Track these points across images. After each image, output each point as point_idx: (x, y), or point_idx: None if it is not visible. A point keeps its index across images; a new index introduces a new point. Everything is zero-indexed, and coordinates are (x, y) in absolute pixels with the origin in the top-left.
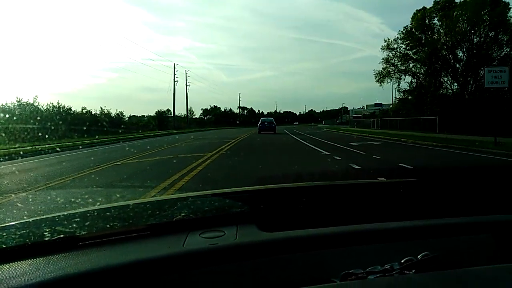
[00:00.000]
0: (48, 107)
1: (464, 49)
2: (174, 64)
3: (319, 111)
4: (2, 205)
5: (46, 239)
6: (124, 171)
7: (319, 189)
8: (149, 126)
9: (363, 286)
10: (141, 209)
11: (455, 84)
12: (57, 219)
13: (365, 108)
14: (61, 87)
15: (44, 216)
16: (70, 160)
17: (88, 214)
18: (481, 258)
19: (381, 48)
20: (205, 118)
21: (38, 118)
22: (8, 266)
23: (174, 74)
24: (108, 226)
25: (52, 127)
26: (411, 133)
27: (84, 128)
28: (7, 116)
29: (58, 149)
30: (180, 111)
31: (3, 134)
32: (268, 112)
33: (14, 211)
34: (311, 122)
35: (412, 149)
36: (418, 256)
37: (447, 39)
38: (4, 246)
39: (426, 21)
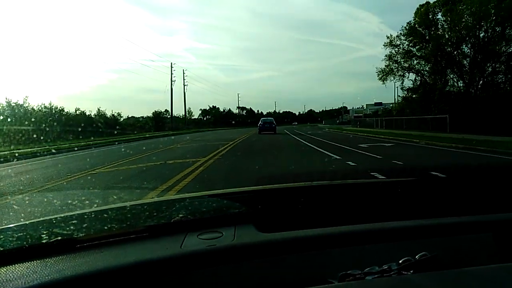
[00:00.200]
0: (40, 108)
1: (470, 45)
2: (171, 63)
3: (318, 111)
4: None
5: (44, 241)
6: (90, 184)
7: (317, 189)
8: (146, 127)
9: (361, 287)
10: (138, 210)
11: (461, 81)
12: (54, 221)
13: (365, 108)
14: (61, 89)
15: (41, 219)
16: (33, 170)
17: (86, 216)
18: (480, 258)
19: (384, 45)
20: (204, 118)
21: (30, 119)
22: (5, 269)
23: (172, 74)
24: (106, 227)
25: (44, 129)
26: (420, 133)
27: (78, 129)
28: None
29: (39, 153)
30: (179, 111)
31: None
32: (267, 112)
33: (11, 213)
34: (311, 122)
35: (432, 151)
36: (416, 256)
37: (452, 34)
38: (1, 249)
39: (430, 16)
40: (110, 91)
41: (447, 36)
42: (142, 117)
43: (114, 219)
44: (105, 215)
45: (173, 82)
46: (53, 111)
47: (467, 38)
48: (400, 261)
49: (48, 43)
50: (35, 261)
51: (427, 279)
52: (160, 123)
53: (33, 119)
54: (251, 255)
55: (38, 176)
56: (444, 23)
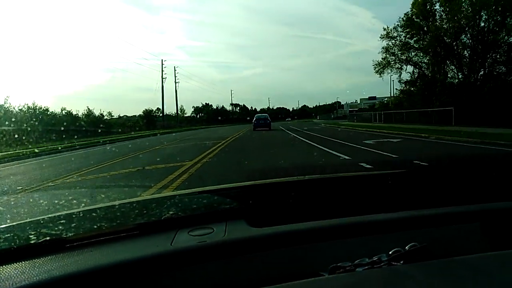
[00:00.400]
0: (22, 109)
1: (469, 36)
2: (162, 60)
3: (312, 107)
4: None
5: (32, 242)
6: (28, 207)
7: (308, 183)
8: (137, 126)
9: (351, 279)
10: (127, 208)
11: (460, 73)
12: (42, 222)
13: (359, 102)
14: (55, 89)
15: (29, 220)
16: None
17: (74, 216)
18: (469, 247)
19: (380, 37)
20: (197, 116)
21: (10, 120)
22: None
23: (162, 71)
24: (95, 226)
25: (25, 130)
26: (425, 127)
27: (62, 130)
28: None
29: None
30: (172, 110)
31: None
32: (261, 109)
33: None
34: (305, 118)
35: (450, 148)
36: (406, 247)
37: (450, 25)
38: None
39: (428, 7)
40: (104, 91)
41: (445, 27)
42: (135, 116)
43: (104, 217)
44: (94, 214)
45: (164, 80)
46: (37, 111)
47: (467, 29)
48: (390, 252)
49: (42, 43)
50: (23, 262)
51: (417, 269)
52: (151, 121)
53: (13, 119)
54: (242, 250)
55: None
56: (442, 13)
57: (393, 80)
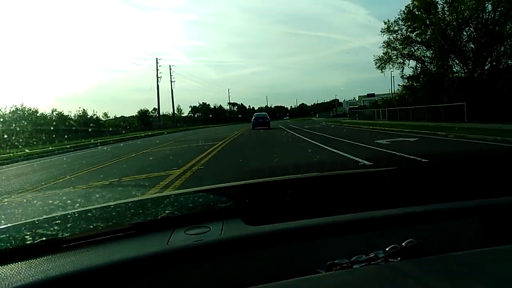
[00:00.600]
0: (10, 110)
1: (472, 28)
2: (157, 58)
3: (310, 105)
4: None
5: (28, 242)
6: None
7: (305, 181)
8: (132, 126)
9: (348, 276)
10: (123, 208)
11: (465, 67)
12: (37, 222)
13: (357, 100)
14: (53, 91)
15: (24, 221)
16: None
17: (69, 216)
18: (465, 243)
19: (381, 31)
20: (194, 115)
21: None
22: None
23: (157, 70)
24: (91, 227)
25: (12, 132)
26: (436, 124)
27: (51, 131)
28: None
29: None
30: (169, 110)
31: None
32: (259, 107)
33: None
34: (303, 116)
35: (480, 148)
36: (403, 243)
37: (453, 17)
38: None
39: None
40: (101, 91)
41: (448, 20)
42: (133, 116)
43: (100, 217)
44: (89, 214)
45: (160, 79)
46: (25, 113)
47: (471, 20)
48: (387, 249)
49: (38, 45)
50: (19, 263)
51: (414, 266)
52: (147, 122)
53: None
54: (239, 248)
55: None
56: (445, 5)
57: (393, 76)
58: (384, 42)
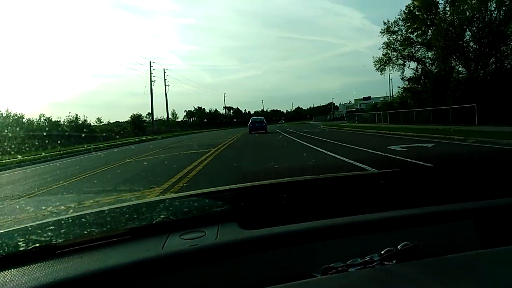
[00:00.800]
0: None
1: (475, 28)
2: (150, 62)
3: (306, 108)
4: None
5: (21, 249)
6: None
7: (300, 184)
8: (125, 132)
9: (344, 279)
10: (118, 213)
11: (471, 67)
12: (30, 229)
13: (354, 103)
14: (48, 96)
15: (17, 227)
16: None
17: (63, 222)
18: (461, 245)
19: (380, 32)
20: (190, 120)
21: None
22: None
23: (151, 74)
24: (85, 232)
25: None
26: (446, 127)
27: (34, 137)
28: None
29: None
30: (164, 114)
31: None
32: (255, 111)
33: None
34: (300, 120)
35: None
36: (398, 246)
37: (455, 17)
38: None
39: None
40: (96, 97)
41: (450, 20)
42: (127, 121)
43: (94, 223)
44: (83, 220)
45: (153, 83)
46: (10, 119)
47: (474, 19)
48: (382, 252)
49: (32, 51)
50: (12, 270)
51: (409, 269)
52: (140, 127)
53: None
54: (234, 252)
55: None
56: (446, 4)
57: (391, 79)
58: (383, 43)
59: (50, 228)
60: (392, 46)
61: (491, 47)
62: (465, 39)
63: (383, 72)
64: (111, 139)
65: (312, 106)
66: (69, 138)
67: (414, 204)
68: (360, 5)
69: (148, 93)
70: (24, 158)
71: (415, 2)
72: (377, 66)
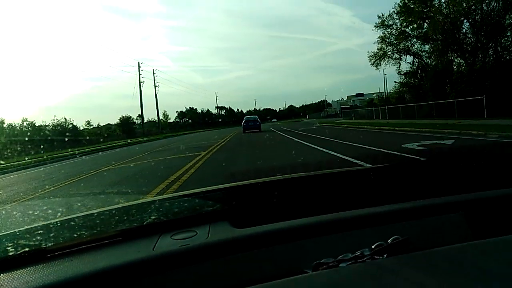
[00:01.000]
0: None
1: (471, 20)
2: (139, 62)
3: (298, 106)
4: None
5: (10, 254)
6: None
7: (290, 182)
8: (113, 134)
9: (335, 275)
10: (107, 215)
11: (463, 60)
12: (18, 233)
13: (346, 100)
14: (40, 100)
15: (4, 232)
16: None
17: (52, 226)
18: (451, 238)
19: (375, 26)
20: (181, 121)
21: None
22: None
23: (139, 74)
24: (75, 235)
25: None
26: (455, 122)
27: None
28: None
29: None
30: (155, 116)
31: None
32: (247, 111)
33: None
34: (293, 118)
35: None
36: (389, 241)
37: (451, 9)
38: None
39: None
40: (86, 100)
41: (446, 12)
42: (116, 123)
43: (83, 226)
44: (73, 223)
45: (142, 84)
46: None
47: (471, 11)
48: (373, 246)
49: (25, 55)
50: (1, 275)
51: (400, 262)
52: (130, 129)
53: None
54: (226, 251)
55: None
56: None
57: (385, 74)
58: (378, 37)
59: (39, 232)
60: (387, 40)
61: (489, 39)
62: (463, 31)
63: (378, 67)
64: (97, 142)
65: (304, 104)
66: (52, 142)
67: (404, 198)
68: (349, 3)
69: (135, 95)
70: None
71: None
72: (372, 61)
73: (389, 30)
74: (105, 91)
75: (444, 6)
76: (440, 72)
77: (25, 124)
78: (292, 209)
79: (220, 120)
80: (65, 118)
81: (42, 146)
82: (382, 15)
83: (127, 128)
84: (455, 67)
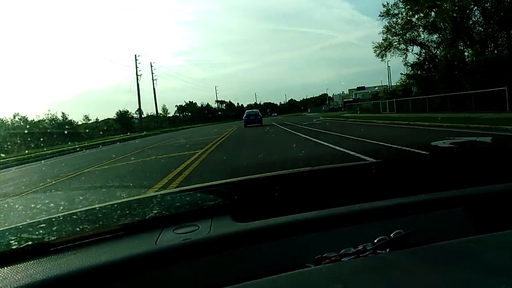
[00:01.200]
0: None
1: (480, 9)
2: (135, 55)
3: (299, 100)
4: None
5: (14, 247)
6: None
7: (293, 176)
8: (111, 129)
9: (337, 269)
10: (110, 210)
11: (475, 49)
12: (21, 227)
13: (348, 93)
14: (46, 97)
15: (8, 226)
16: None
17: (54, 220)
18: (453, 232)
19: (380, 15)
20: (181, 115)
21: None
22: None
23: (136, 67)
24: (78, 229)
25: None
26: (476, 115)
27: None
28: None
29: None
30: (154, 110)
31: None
32: (248, 105)
33: None
34: (294, 112)
35: None
36: (391, 235)
37: None
38: None
39: None
40: (89, 94)
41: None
42: (114, 118)
43: (86, 220)
44: (75, 217)
45: (140, 77)
46: None
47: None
48: (375, 241)
49: (27, 51)
50: (5, 268)
51: (403, 256)
52: (128, 123)
53: None
54: (228, 245)
55: None
56: None
57: (389, 66)
58: (384, 27)
59: (42, 226)
60: (392, 30)
61: (501, 27)
62: (474, 19)
63: (383, 58)
64: (92, 138)
65: (305, 98)
66: (43, 136)
67: (406, 193)
68: None
69: (133, 89)
70: None
71: None
72: (377, 52)
73: (394, 19)
74: (106, 85)
75: None
76: (453, 62)
77: (16, 118)
78: (294, 204)
79: (220, 114)
80: (62, 113)
81: (29, 139)
82: (387, 3)
83: (125, 123)
84: (471, 56)
